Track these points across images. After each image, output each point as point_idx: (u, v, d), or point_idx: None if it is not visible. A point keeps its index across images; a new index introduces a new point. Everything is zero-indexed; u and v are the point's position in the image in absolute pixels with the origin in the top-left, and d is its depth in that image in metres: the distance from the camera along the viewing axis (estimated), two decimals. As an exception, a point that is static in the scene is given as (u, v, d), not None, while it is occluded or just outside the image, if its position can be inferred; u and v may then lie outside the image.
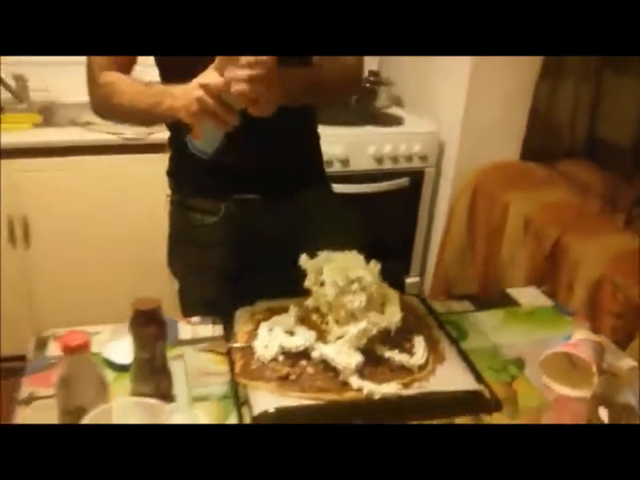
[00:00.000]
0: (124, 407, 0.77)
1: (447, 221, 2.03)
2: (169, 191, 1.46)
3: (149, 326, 0.89)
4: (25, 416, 0.91)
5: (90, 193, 1.98)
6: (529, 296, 1.31)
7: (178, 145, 1.22)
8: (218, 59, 0.93)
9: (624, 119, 3.18)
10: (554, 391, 1.00)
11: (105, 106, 1.13)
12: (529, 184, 1.86)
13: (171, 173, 1.28)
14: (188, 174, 1.23)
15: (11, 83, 2.20)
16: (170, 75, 1.14)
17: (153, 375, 0.91)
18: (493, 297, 1.32)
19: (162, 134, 2.01)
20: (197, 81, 0.94)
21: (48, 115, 2.13)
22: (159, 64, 1.15)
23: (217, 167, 1.13)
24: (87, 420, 0.74)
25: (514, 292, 1.32)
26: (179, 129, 1.16)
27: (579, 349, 1.02)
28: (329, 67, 1.15)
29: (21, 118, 2.04)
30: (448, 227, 2.01)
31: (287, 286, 1.11)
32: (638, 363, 1.08)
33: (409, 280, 2.32)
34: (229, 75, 0.92)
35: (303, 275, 1.05)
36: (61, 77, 2.26)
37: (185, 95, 0.95)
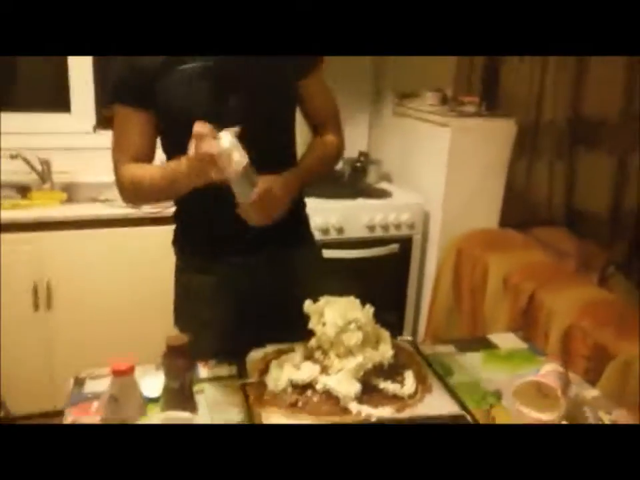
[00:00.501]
0: (159, 419, 0.93)
1: (434, 283, 2.22)
2: None
3: (179, 358, 1.04)
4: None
5: (108, 261, 2.16)
6: (506, 340, 1.47)
7: (182, 218, 1.42)
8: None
9: (599, 192, 3.45)
10: (526, 415, 1.15)
11: (131, 196, 1.32)
12: (507, 247, 2.06)
13: (175, 242, 1.45)
14: (190, 242, 1.41)
15: (37, 165, 2.43)
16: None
17: (181, 402, 1.06)
18: (475, 341, 1.48)
19: (175, 207, 2.23)
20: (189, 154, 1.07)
21: (71, 193, 2.36)
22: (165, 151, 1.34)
23: (213, 234, 1.33)
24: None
25: (493, 337, 1.48)
26: (182, 203, 1.39)
27: (546, 378, 1.18)
28: (316, 155, 1.37)
29: (49, 195, 2.26)
30: (436, 287, 2.19)
31: (280, 338, 1.29)
32: (606, 394, 1.25)
33: (402, 339, 2.47)
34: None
35: (294, 326, 1.22)
36: (82, 161, 2.52)
37: (191, 168, 1.10)
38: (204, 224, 1.35)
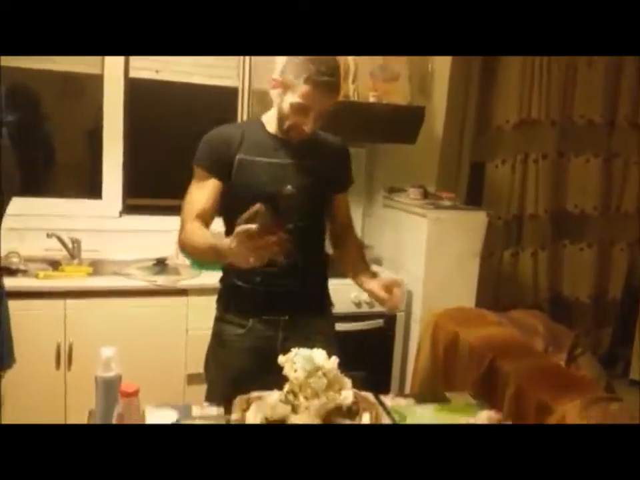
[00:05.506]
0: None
1: (416, 351, 2.46)
2: (187, 327, 2.20)
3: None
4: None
5: (126, 327, 2.43)
6: (460, 397, 1.70)
7: (225, 282, 1.76)
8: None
9: (581, 281, 3.70)
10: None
11: (183, 246, 1.65)
12: (476, 322, 2.31)
13: (218, 299, 1.78)
14: (229, 300, 1.74)
15: (69, 244, 2.78)
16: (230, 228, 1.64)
17: None
18: (432, 396, 1.71)
19: (187, 281, 2.55)
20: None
21: (97, 267, 2.68)
22: (224, 220, 1.71)
23: (250, 295, 1.65)
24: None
25: (448, 394, 1.72)
26: (227, 271, 1.71)
27: (478, 420, 1.42)
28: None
29: (77, 269, 2.59)
30: (417, 355, 2.43)
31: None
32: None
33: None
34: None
35: None
36: (108, 241, 2.87)
37: (227, 247, 1.39)
38: (241, 288, 1.68)
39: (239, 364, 1.68)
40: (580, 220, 3.66)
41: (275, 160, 1.65)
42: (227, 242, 1.42)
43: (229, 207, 1.67)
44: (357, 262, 1.82)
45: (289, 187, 1.61)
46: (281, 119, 1.62)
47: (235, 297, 1.72)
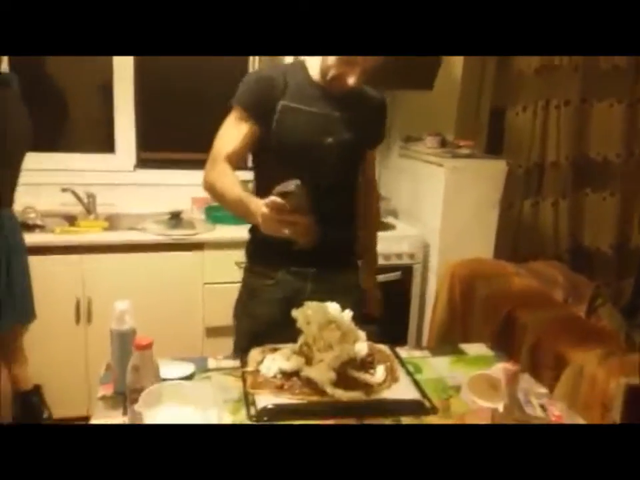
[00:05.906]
0: (167, 387, 1.19)
1: (433, 303, 2.45)
2: (204, 281, 2.17)
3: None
4: (99, 406, 1.33)
5: (142, 281, 2.45)
6: (476, 348, 1.69)
7: (254, 233, 1.72)
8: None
9: (603, 231, 3.62)
10: (474, 402, 1.37)
11: (209, 188, 1.59)
12: (493, 273, 2.28)
13: (247, 249, 1.77)
14: (258, 251, 1.73)
15: (84, 198, 2.78)
16: (262, 178, 1.65)
17: None
18: (447, 348, 1.70)
19: (203, 235, 2.55)
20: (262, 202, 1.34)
21: (112, 222, 2.69)
22: (255, 167, 1.68)
23: (279, 246, 1.59)
24: (143, 394, 1.15)
25: (464, 346, 1.71)
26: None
27: (494, 372, 1.40)
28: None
29: (93, 224, 2.59)
30: (434, 307, 2.42)
31: None
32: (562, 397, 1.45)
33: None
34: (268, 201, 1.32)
35: None
36: (123, 195, 2.87)
37: (256, 211, 1.36)
38: (271, 239, 1.56)
39: (268, 315, 1.67)
40: (602, 168, 3.55)
41: (316, 110, 1.60)
42: (258, 204, 1.39)
43: (263, 154, 1.64)
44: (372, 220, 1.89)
45: (330, 139, 1.59)
46: (326, 67, 1.56)
47: (264, 248, 1.69)
